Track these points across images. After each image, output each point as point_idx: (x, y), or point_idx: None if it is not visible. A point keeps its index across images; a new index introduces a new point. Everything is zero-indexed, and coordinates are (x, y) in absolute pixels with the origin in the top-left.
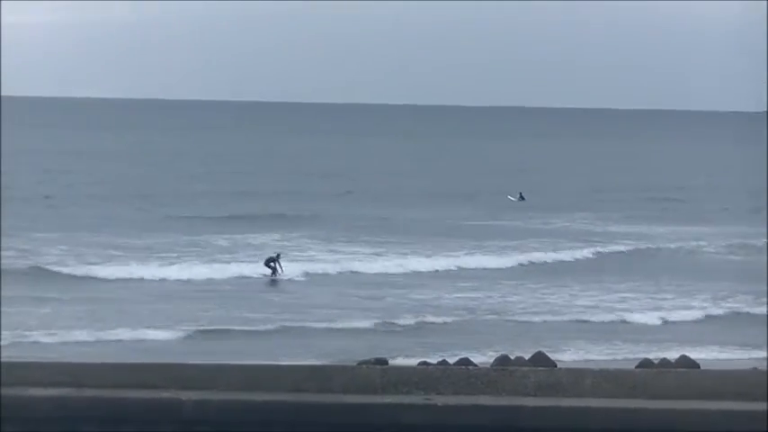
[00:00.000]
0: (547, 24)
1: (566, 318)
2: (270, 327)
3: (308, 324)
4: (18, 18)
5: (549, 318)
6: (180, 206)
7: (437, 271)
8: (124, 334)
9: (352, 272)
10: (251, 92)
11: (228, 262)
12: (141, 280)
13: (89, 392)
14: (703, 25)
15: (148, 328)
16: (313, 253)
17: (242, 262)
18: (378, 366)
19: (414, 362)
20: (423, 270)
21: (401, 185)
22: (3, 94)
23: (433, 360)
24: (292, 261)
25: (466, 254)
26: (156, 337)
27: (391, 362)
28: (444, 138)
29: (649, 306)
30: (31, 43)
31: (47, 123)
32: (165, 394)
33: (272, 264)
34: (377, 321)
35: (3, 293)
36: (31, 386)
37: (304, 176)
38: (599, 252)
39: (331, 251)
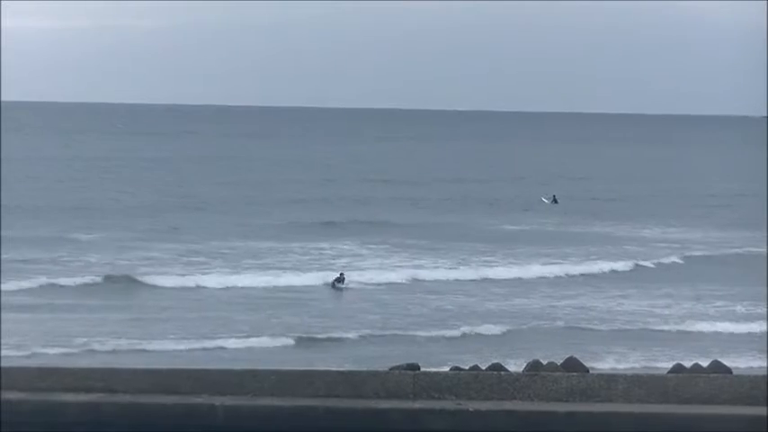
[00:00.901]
0: (546, 27)
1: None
2: (357, 334)
3: (394, 332)
4: (24, 22)
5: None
6: (236, 214)
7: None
8: (225, 342)
9: (435, 280)
10: (256, 97)
11: (296, 270)
12: (215, 288)
13: (121, 398)
14: (706, 28)
15: (251, 336)
16: (381, 260)
17: (308, 271)
18: (409, 371)
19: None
20: (498, 278)
21: (452, 191)
22: (21, 99)
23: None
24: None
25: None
26: (263, 345)
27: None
28: (460, 141)
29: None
30: (40, 48)
31: (65, 129)
32: (198, 400)
33: (336, 280)
34: (465, 329)
35: (94, 302)
36: (62, 391)
37: (360, 182)
38: (687, 256)
39: (404, 259)
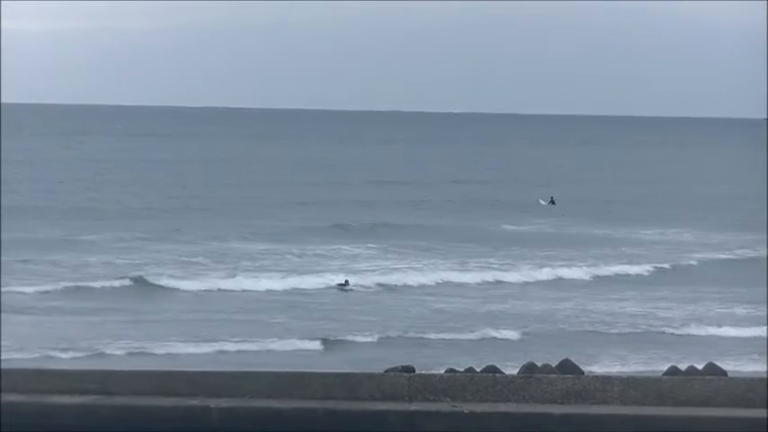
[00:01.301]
0: (544, 28)
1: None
2: (376, 337)
3: (425, 335)
4: (23, 24)
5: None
6: (239, 216)
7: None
8: (242, 345)
9: (448, 282)
10: (256, 99)
11: (301, 273)
12: (225, 291)
13: (116, 400)
14: (705, 28)
15: (286, 338)
16: (383, 263)
17: (310, 274)
18: (405, 374)
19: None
20: (505, 280)
21: (453, 193)
22: (21, 101)
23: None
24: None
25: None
26: (305, 347)
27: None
28: (459, 144)
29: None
30: (40, 50)
31: (66, 130)
32: (193, 402)
33: (340, 285)
34: (478, 333)
35: (102, 305)
36: (58, 394)
37: (362, 185)
38: (696, 259)
39: (407, 261)
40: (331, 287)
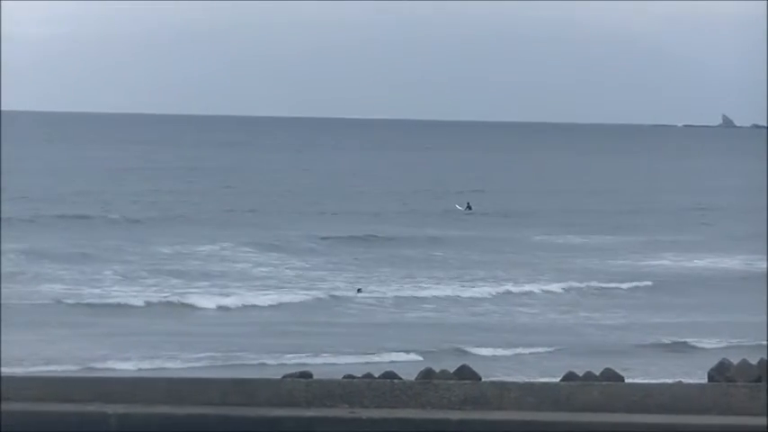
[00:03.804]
0: (507, 36)
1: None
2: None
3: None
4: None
5: None
6: (222, 227)
7: None
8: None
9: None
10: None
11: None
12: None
13: (13, 406)
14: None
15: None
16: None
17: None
18: (302, 379)
19: None
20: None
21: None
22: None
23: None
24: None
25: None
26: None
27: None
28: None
29: None
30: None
31: (41, 137)
32: (90, 408)
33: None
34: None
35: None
36: None
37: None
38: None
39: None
40: (348, 296)
